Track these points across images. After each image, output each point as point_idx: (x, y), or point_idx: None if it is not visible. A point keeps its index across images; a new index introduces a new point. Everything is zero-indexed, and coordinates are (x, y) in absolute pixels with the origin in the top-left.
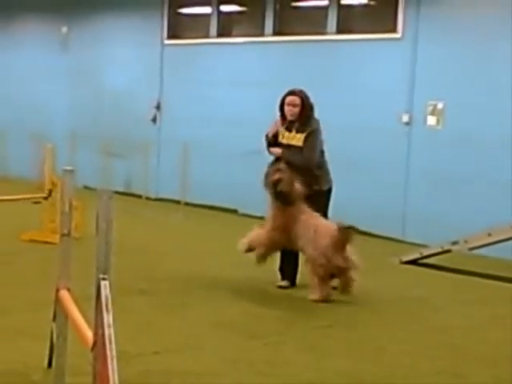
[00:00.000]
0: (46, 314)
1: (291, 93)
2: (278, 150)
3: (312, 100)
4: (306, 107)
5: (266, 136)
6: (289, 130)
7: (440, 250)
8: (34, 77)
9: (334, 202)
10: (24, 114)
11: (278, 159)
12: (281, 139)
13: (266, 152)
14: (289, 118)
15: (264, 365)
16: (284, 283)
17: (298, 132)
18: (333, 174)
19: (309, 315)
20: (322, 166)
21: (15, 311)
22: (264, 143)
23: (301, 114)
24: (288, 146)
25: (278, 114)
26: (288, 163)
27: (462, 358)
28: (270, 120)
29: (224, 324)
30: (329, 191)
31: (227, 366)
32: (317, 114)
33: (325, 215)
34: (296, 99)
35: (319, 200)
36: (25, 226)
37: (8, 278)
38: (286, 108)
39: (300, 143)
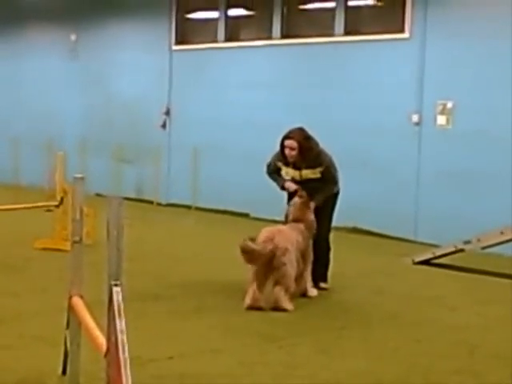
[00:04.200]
0: (59, 320)
1: (288, 136)
2: (293, 186)
3: (313, 139)
4: (305, 149)
5: (269, 166)
6: (296, 168)
7: (453, 249)
8: (44, 85)
9: (345, 202)
10: (35, 121)
11: (292, 194)
12: (285, 175)
13: (275, 185)
14: (289, 159)
15: (280, 367)
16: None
17: (308, 168)
18: (343, 175)
19: (323, 316)
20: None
21: (29, 318)
22: (268, 174)
23: (302, 157)
24: (301, 182)
25: (278, 148)
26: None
27: (480, 357)
28: (279, 122)
29: (238, 327)
30: (337, 194)
31: (243, 369)
32: (327, 115)
33: (331, 216)
34: (293, 143)
35: (328, 201)
36: (37, 233)
37: (22, 286)
38: (285, 150)
39: (318, 175)
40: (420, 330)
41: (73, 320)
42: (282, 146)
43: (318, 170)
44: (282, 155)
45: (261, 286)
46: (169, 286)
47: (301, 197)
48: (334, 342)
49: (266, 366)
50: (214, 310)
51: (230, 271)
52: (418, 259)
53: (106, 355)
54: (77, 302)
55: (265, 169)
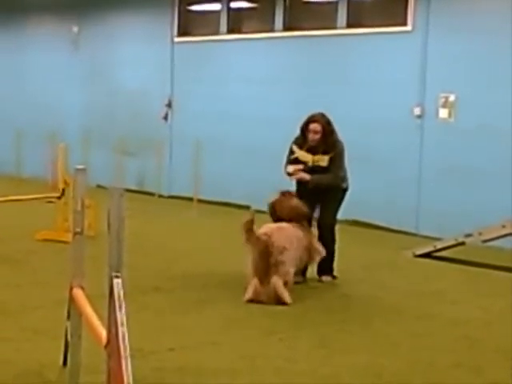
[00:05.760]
0: (61, 312)
1: (313, 120)
2: (305, 176)
3: (333, 124)
4: (328, 133)
5: (290, 161)
6: (313, 152)
7: (454, 242)
8: (47, 77)
9: (347, 196)
10: (37, 113)
11: (300, 183)
12: (300, 158)
13: (288, 176)
14: (310, 143)
15: (280, 360)
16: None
17: (323, 154)
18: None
19: (324, 310)
20: (345, 176)
21: (31, 310)
22: (285, 166)
23: (323, 141)
24: (312, 168)
25: (298, 132)
26: (317, 185)
27: (481, 352)
28: (281, 115)
29: (239, 320)
30: (345, 190)
31: (243, 362)
32: (329, 108)
33: (337, 209)
34: (317, 127)
35: (336, 195)
36: (39, 225)
37: (23, 278)
38: (309, 135)
39: (325, 164)
40: (421, 323)
41: (74, 312)
42: (304, 131)
43: (329, 156)
44: (302, 139)
45: (262, 281)
46: (170, 278)
47: (283, 194)
48: (334, 335)
49: (266, 359)
50: (214, 302)
51: (231, 264)
52: (419, 252)
53: (106, 347)
54: (78, 293)
55: (283, 168)
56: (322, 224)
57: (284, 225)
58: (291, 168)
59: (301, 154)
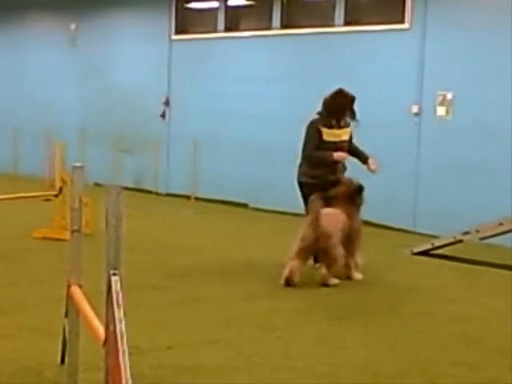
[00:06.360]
0: (58, 310)
1: (340, 91)
2: (342, 154)
3: None
4: (353, 102)
5: (308, 142)
6: (338, 127)
7: (451, 240)
8: (44, 74)
9: None
10: (34, 111)
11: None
12: (326, 137)
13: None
14: (339, 114)
15: (278, 358)
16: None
17: (344, 127)
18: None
19: (323, 307)
20: None
21: (28, 308)
22: (312, 156)
23: (349, 110)
24: (338, 145)
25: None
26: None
27: (479, 349)
28: (278, 112)
29: (237, 318)
30: None
31: (242, 359)
32: None
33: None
34: (348, 94)
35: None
36: (36, 223)
37: (21, 275)
38: (338, 106)
39: (347, 137)
40: (419, 321)
41: (71, 309)
42: (328, 106)
43: (349, 130)
44: (327, 115)
45: (302, 263)
46: (167, 276)
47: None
48: (333, 333)
49: (264, 356)
50: (212, 300)
51: (228, 262)
52: (416, 250)
53: (104, 344)
54: (75, 291)
55: (304, 153)
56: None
57: (331, 210)
58: (342, 155)
59: (331, 132)
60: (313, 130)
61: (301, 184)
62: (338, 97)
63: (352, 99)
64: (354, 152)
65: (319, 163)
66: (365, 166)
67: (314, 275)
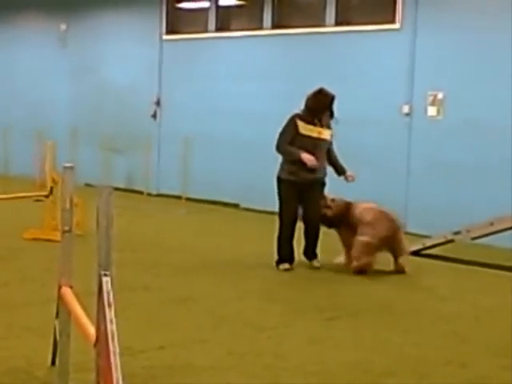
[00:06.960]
0: (49, 310)
1: (322, 90)
2: (311, 159)
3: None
4: (333, 102)
5: (282, 135)
6: (317, 124)
7: (442, 240)
8: (34, 74)
9: (335, 193)
10: (25, 111)
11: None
12: (303, 131)
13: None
14: (318, 113)
15: (270, 357)
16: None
17: (327, 128)
18: None
19: (313, 307)
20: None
21: (19, 308)
22: (280, 147)
23: (329, 110)
24: (316, 144)
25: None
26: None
27: (469, 348)
28: (269, 112)
29: (229, 317)
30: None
31: (233, 358)
32: None
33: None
34: (329, 94)
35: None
36: (27, 224)
37: (12, 276)
38: (319, 104)
39: (329, 137)
40: (410, 320)
41: (62, 310)
42: (309, 104)
43: (330, 132)
44: (308, 112)
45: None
46: (158, 276)
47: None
48: (324, 332)
49: (255, 356)
50: (203, 299)
51: (220, 261)
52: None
53: (95, 345)
54: (66, 292)
55: (276, 143)
56: (313, 219)
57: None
58: (311, 160)
59: (308, 127)
60: (289, 123)
61: (279, 180)
62: (319, 96)
63: (332, 98)
64: (334, 160)
65: (298, 160)
66: (341, 177)
67: (305, 273)
